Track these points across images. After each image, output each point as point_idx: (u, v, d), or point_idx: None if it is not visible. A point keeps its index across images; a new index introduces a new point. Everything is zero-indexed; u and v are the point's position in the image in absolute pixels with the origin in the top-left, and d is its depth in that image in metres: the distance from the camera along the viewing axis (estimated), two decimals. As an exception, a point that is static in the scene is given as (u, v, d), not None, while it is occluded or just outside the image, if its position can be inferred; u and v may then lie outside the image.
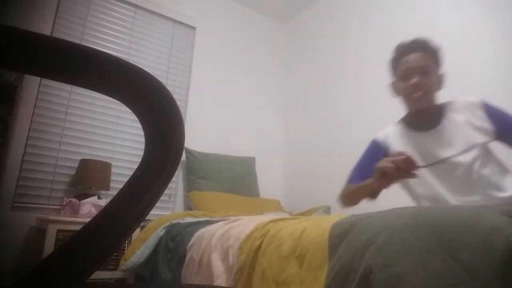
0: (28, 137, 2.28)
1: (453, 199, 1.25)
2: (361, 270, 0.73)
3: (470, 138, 1.28)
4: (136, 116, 0.39)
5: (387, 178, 1.13)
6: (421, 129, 1.38)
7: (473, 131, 1.29)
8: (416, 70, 1.32)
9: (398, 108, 1.48)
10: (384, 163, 1.13)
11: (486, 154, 1.28)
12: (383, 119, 1.56)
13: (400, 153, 1.12)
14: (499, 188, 1.23)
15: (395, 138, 1.45)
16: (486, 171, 1.24)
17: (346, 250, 0.83)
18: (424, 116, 1.37)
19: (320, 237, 0.97)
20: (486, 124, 1.29)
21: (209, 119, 3.07)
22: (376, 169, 1.15)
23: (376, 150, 1.46)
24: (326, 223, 1.01)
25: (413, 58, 1.34)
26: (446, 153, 1.28)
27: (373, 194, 1.35)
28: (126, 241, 2.04)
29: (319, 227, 1.02)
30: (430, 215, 0.74)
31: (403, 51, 1.38)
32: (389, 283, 0.66)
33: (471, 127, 1.30)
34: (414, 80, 1.31)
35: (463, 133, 1.30)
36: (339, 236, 0.90)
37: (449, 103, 1.38)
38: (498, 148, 1.32)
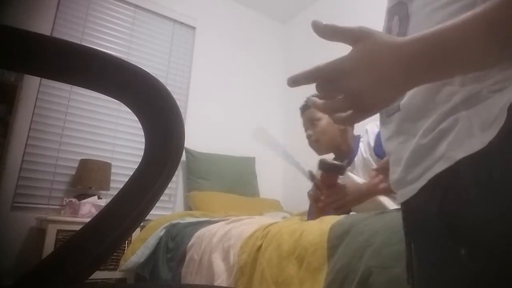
0: (28, 137, 2.28)
1: None
2: (360, 271, 0.73)
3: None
4: (136, 116, 0.39)
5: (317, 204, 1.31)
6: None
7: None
8: (308, 124, 1.62)
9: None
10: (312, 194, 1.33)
11: None
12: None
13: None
14: None
15: None
16: None
17: (344, 252, 0.83)
18: (342, 156, 1.56)
19: (319, 238, 0.97)
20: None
21: (209, 119, 3.07)
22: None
23: None
24: (325, 224, 1.01)
25: (305, 116, 1.65)
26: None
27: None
28: (126, 241, 2.04)
29: (318, 228, 1.02)
30: (430, 215, 0.74)
31: (301, 112, 1.72)
32: (389, 285, 0.66)
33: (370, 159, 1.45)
34: (307, 132, 1.61)
35: (367, 168, 1.44)
36: (338, 238, 0.90)
37: (360, 136, 1.56)
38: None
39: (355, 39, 0.41)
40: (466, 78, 0.41)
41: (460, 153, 0.39)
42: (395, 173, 0.50)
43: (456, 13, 0.41)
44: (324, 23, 0.44)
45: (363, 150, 1.48)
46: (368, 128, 1.53)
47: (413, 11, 0.49)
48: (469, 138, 0.39)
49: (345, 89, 0.41)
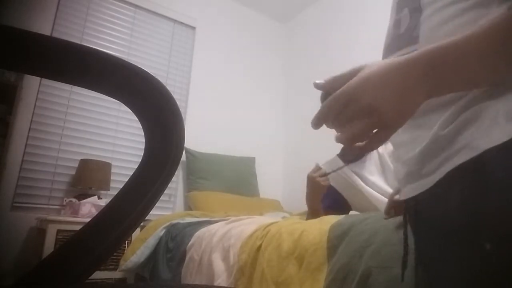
0: (28, 137, 2.28)
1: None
2: (360, 271, 0.73)
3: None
4: (136, 116, 0.39)
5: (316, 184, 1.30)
6: (350, 161, 1.45)
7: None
8: None
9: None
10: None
11: None
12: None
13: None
14: None
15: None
16: None
17: (344, 252, 0.83)
18: (354, 150, 1.42)
19: (319, 238, 0.97)
20: None
21: (209, 119, 3.07)
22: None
23: None
24: (325, 223, 1.01)
25: None
26: (368, 182, 1.38)
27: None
28: (126, 241, 2.04)
29: (318, 228, 1.02)
30: (430, 215, 0.74)
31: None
32: (389, 285, 0.66)
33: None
34: None
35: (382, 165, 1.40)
36: (338, 237, 0.90)
37: None
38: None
39: (354, 74, 0.43)
40: None
41: (485, 143, 0.37)
42: (407, 166, 0.47)
43: (468, 10, 0.42)
44: (322, 81, 0.47)
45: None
46: None
47: (426, 3, 0.48)
48: (495, 128, 0.37)
49: (362, 108, 0.41)
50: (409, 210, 0.51)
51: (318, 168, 1.32)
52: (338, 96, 0.42)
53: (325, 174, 1.30)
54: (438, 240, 0.43)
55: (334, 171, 1.33)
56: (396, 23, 0.53)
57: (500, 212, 0.35)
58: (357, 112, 0.41)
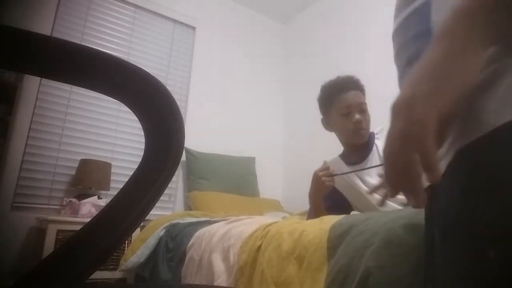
0: (28, 137, 2.28)
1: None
2: (359, 272, 0.73)
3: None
4: (136, 116, 0.39)
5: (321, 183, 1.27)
6: (352, 163, 1.44)
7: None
8: (356, 108, 1.39)
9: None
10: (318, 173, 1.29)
11: None
12: (383, 118, 1.56)
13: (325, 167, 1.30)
14: None
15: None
16: None
17: (344, 252, 0.83)
18: (356, 151, 1.44)
19: (319, 238, 0.96)
20: None
21: (209, 119, 3.07)
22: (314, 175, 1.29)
23: None
24: (325, 223, 1.01)
25: (353, 95, 1.41)
26: (368, 184, 1.35)
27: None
28: (126, 241, 2.04)
29: (318, 228, 1.02)
30: (430, 215, 0.74)
31: (340, 88, 1.44)
32: (388, 286, 0.66)
33: None
34: (357, 116, 1.37)
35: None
36: (338, 238, 0.90)
37: (375, 134, 1.47)
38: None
39: None
40: None
41: (496, 118, 0.27)
42: None
43: None
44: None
45: (380, 149, 1.44)
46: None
47: None
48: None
49: (399, 134, 0.34)
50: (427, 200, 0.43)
51: (326, 167, 1.30)
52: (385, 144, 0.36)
53: (332, 175, 1.28)
54: (445, 240, 0.36)
55: (341, 174, 1.33)
56: None
57: (499, 211, 0.27)
58: (396, 141, 0.33)
